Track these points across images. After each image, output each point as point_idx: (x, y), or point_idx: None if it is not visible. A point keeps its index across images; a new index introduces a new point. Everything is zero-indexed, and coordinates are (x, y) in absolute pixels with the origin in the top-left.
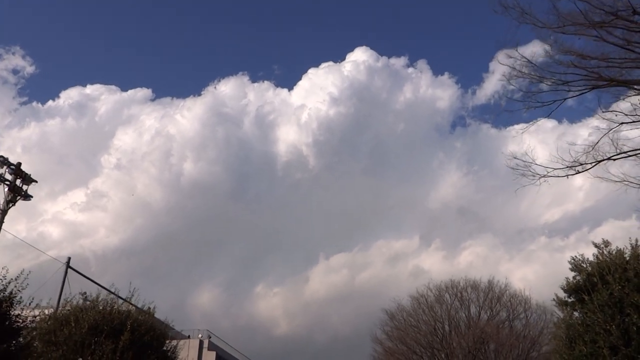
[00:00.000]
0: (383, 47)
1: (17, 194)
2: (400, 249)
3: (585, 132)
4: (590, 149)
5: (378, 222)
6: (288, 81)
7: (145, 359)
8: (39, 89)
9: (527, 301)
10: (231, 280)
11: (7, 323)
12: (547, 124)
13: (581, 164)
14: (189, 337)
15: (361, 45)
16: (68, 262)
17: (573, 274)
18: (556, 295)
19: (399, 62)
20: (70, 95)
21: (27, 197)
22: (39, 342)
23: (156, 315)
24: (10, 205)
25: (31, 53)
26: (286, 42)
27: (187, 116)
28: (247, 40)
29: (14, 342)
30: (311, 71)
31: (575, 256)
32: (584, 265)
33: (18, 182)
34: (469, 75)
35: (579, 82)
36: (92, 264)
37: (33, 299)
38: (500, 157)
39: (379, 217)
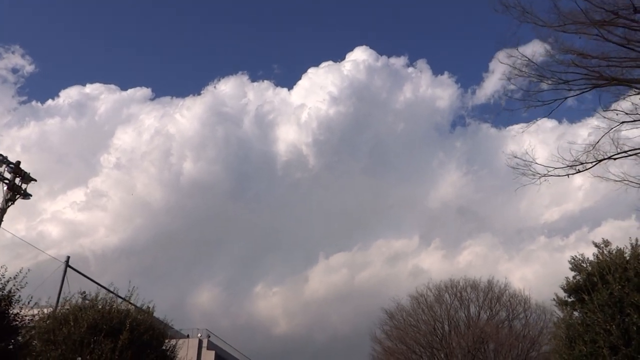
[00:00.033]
0: (383, 47)
1: (16, 192)
2: (399, 248)
3: (585, 132)
4: (591, 148)
5: (378, 222)
6: (288, 80)
7: (145, 358)
8: (38, 88)
9: (527, 301)
10: (231, 279)
11: (5, 322)
12: (547, 123)
13: (582, 163)
14: (188, 336)
15: (361, 44)
16: (67, 261)
17: (573, 273)
18: (556, 295)
19: (398, 61)
20: (69, 95)
21: (26, 195)
22: (37, 341)
23: (155, 315)
24: (10, 204)
25: (31, 52)
26: (286, 41)
27: (186, 115)
28: (246, 40)
29: (12, 340)
30: (311, 71)
31: (575, 256)
32: (584, 265)
33: (17, 180)
34: (468, 75)
35: (579, 81)
36: (92, 264)
37: (32, 297)
38: (500, 156)
39: (379, 217)
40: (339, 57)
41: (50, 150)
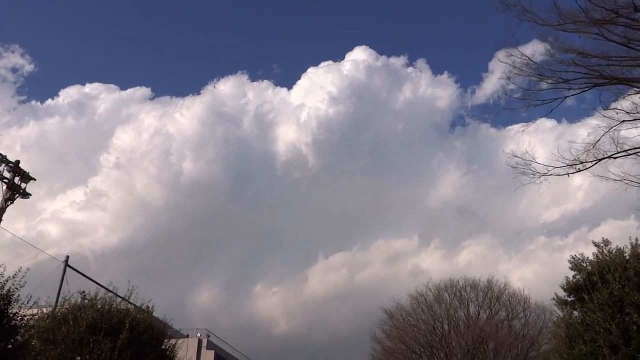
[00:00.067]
0: (383, 47)
1: (15, 192)
2: (399, 248)
3: (584, 132)
4: (591, 147)
5: (377, 222)
6: (288, 80)
7: (144, 358)
8: (38, 88)
9: (527, 301)
10: (230, 279)
11: (5, 321)
12: (546, 124)
13: (582, 163)
14: (187, 336)
15: (361, 44)
16: (67, 261)
17: (573, 273)
18: (556, 294)
19: (398, 61)
20: (69, 94)
21: (25, 195)
22: (37, 341)
23: (155, 314)
24: (9, 203)
25: (30, 52)
26: (286, 41)
27: (186, 115)
28: (246, 40)
29: (12, 340)
30: (311, 70)
31: (576, 255)
32: (584, 265)
33: (17, 180)
34: (468, 75)
35: (579, 81)
36: (92, 263)
37: (31, 297)
38: (499, 156)
39: (379, 217)
40: (338, 57)
41: (49, 150)
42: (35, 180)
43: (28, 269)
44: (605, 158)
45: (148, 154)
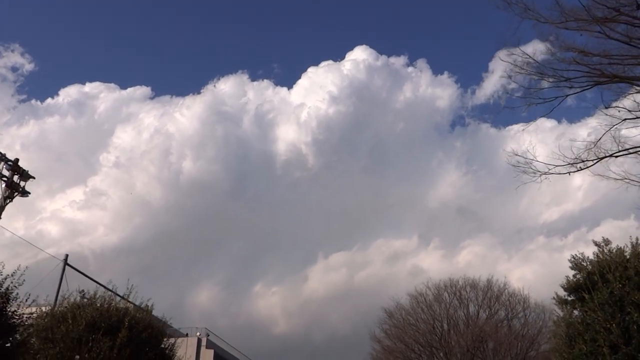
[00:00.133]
0: (383, 46)
1: (14, 190)
2: (399, 248)
3: (584, 131)
4: (592, 145)
5: (377, 221)
6: (287, 80)
7: (143, 356)
8: (38, 87)
9: (526, 300)
10: (230, 278)
11: (3, 319)
12: (546, 123)
13: (583, 161)
14: (187, 335)
15: (361, 44)
16: (66, 260)
17: (573, 272)
18: (556, 293)
19: (398, 61)
20: (69, 93)
21: (24, 193)
22: (36, 339)
23: (154, 313)
24: (8, 201)
25: (30, 51)
26: (286, 41)
27: (186, 114)
28: (246, 39)
29: (10, 338)
30: (311, 70)
31: (576, 254)
32: (584, 264)
33: (15, 178)
34: (468, 75)
35: (580, 79)
36: (91, 262)
37: (30, 295)
38: (499, 156)
39: (378, 216)
40: (338, 56)
41: (49, 149)
42: (34, 178)
43: (26, 267)
44: (606, 156)
45: (148, 153)
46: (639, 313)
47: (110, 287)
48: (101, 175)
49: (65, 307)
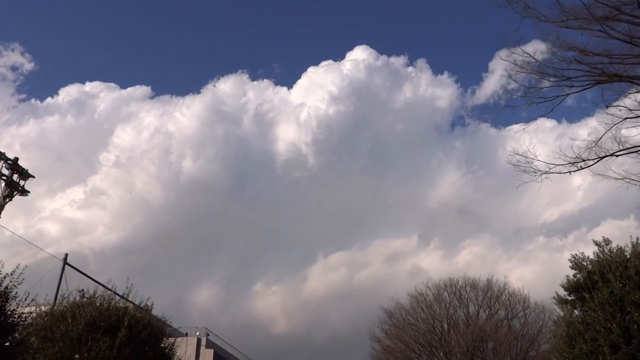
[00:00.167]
0: (383, 46)
1: (14, 189)
2: (399, 247)
3: (584, 131)
4: (593, 144)
5: (377, 221)
6: (287, 79)
7: (143, 356)
8: (37, 86)
9: (526, 300)
10: (230, 278)
11: (2, 319)
12: (546, 123)
13: (583, 160)
14: (186, 334)
15: (361, 44)
16: (65, 259)
17: (573, 271)
18: (556, 293)
19: (398, 61)
20: (69, 93)
21: (24, 192)
22: (35, 338)
23: (154, 312)
24: (7, 200)
25: (30, 50)
26: (286, 40)
27: (186, 114)
28: (246, 39)
29: (9, 338)
30: (311, 70)
31: (576, 254)
32: (585, 263)
33: (15, 177)
34: (468, 75)
35: (581, 78)
36: (91, 262)
37: (29, 294)
38: (499, 157)
39: (378, 216)
40: (338, 56)
41: (49, 148)
42: (33, 177)
43: (26, 266)
44: (607, 155)
45: (148, 152)
46: (639, 312)
47: (109, 286)
48: (101, 174)
49: (65, 306)
